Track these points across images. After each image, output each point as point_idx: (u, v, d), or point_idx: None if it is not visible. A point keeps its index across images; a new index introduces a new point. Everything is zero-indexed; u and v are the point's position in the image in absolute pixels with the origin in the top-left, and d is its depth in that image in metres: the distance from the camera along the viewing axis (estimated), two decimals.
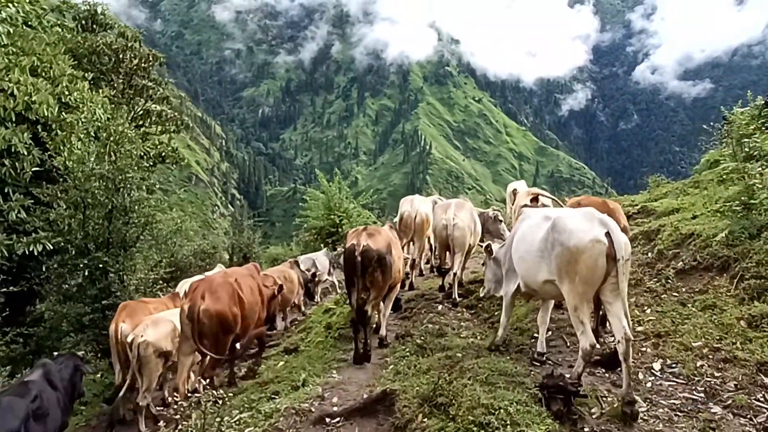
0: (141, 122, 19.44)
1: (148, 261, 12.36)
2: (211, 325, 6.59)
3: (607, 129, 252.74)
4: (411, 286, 10.29)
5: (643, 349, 6.06)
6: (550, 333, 6.61)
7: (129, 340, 7.09)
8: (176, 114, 20.07)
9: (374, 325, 7.70)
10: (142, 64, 19.67)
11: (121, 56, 18.67)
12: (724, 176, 9.77)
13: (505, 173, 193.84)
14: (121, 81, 18.92)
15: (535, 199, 8.02)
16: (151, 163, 18.00)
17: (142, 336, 7.01)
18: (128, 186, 11.14)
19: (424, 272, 11.70)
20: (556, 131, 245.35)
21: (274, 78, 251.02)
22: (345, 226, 17.57)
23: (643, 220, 10.22)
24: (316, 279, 13.01)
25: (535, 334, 6.59)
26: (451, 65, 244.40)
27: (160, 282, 12.21)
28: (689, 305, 6.62)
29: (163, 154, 18.82)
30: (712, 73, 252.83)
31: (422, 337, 7.25)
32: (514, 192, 12.49)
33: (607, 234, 4.75)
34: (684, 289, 7.09)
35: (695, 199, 9.87)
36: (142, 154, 14.80)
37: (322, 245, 17.58)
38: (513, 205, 8.77)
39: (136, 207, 11.41)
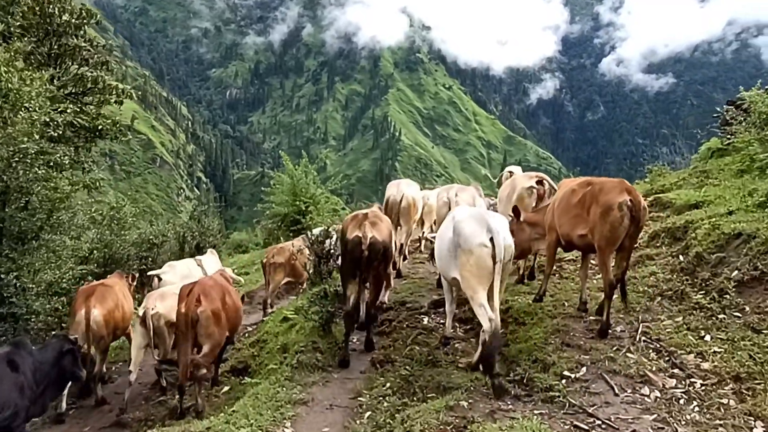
0: (73, 89, 16.65)
1: (60, 256, 10.00)
2: (208, 326, 6.49)
3: (574, 119, 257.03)
4: (399, 273, 9.87)
5: (723, 400, 4.43)
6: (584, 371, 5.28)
7: (141, 313, 7.68)
8: (116, 83, 16.91)
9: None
10: (74, 21, 16.66)
11: (46, 9, 15.80)
12: (747, 165, 9.08)
13: (474, 161, 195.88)
14: (49, 40, 16.30)
15: (540, 182, 7.86)
16: (86, 138, 16.08)
17: (153, 308, 7.58)
18: (25, 161, 8.93)
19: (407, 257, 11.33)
20: (525, 120, 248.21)
21: (242, 59, 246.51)
22: (311, 214, 16.89)
23: (660, 214, 9.11)
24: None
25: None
26: (422, 52, 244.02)
27: (89, 279, 10.49)
28: (765, 332, 5.13)
29: (101, 127, 16.20)
30: (674, 68, 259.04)
31: (407, 367, 6.08)
32: (510, 174, 12.59)
33: (491, 239, 5.34)
34: (748, 308, 5.56)
35: (721, 191, 8.70)
36: (60, 123, 13.09)
37: (281, 236, 16.78)
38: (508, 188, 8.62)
39: (37, 188, 9.22)
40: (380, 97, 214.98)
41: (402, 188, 9.82)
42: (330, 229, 8.61)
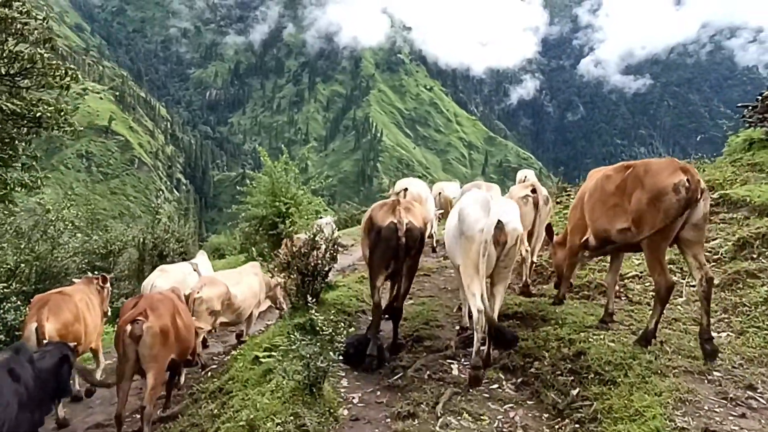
0: (5, 69, 13.20)
1: None
2: (153, 346, 5.72)
3: (554, 120, 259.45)
4: None
5: None
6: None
7: (186, 294, 7.40)
8: (59, 63, 13.39)
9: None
10: None
11: None
12: None
13: (455, 162, 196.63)
14: None
15: (534, 190, 7.59)
16: (24, 128, 14.47)
17: (198, 293, 7.48)
18: None
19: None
20: (505, 121, 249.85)
21: (222, 59, 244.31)
22: (292, 216, 15.72)
23: (733, 215, 7.44)
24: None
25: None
26: (403, 52, 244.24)
27: (12, 299, 8.99)
28: None
29: (40, 115, 13.21)
30: (651, 69, 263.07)
31: None
32: (525, 178, 12.91)
33: (497, 223, 4.98)
34: None
35: None
36: None
37: (254, 246, 15.62)
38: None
39: None
40: (361, 98, 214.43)
41: (409, 185, 10.23)
42: (317, 238, 7.27)
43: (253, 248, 16.85)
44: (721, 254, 6.31)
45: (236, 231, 18.76)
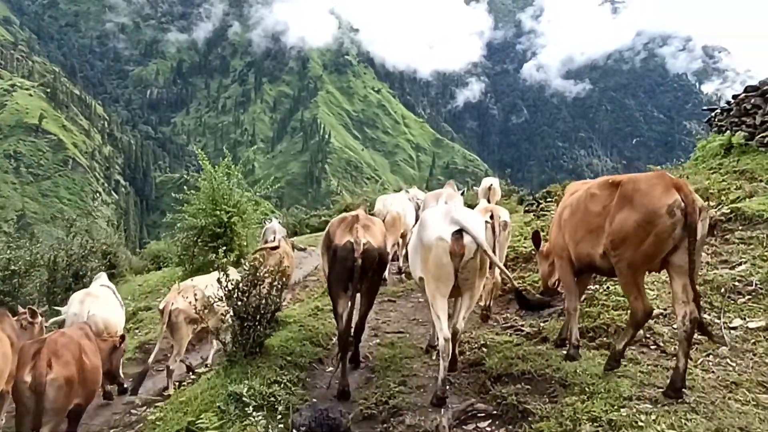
0: None
1: None
2: (57, 399, 5.17)
3: (499, 123, 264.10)
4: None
5: None
6: None
7: (161, 307, 7.31)
8: None
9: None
10: None
11: None
12: None
13: (403, 163, 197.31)
14: None
15: (492, 216, 7.18)
16: None
17: (173, 304, 7.22)
18: None
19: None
20: (452, 123, 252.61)
21: (164, 57, 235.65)
22: (235, 226, 14.53)
23: (752, 233, 6.44)
24: None
25: None
26: (351, 54, 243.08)
27: None
28: None
29: None
30: (590, 75, 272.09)
31: None
32: (490, 188, 12.66)
33: (456, 232, 4.68)
34: None
35: None
36: None
37: (193, 258, 14.57)
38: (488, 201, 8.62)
39: None
40: (309, 99, 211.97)
41: (388, 204, 9.88)
42: (261, 270, 5.99)
43: (192, 261, 15.33)
44: (757, 285, 5.32)
45: (174, 241, 16.92)
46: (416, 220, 11.37)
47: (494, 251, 6.42)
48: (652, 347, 4.79)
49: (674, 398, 3.98)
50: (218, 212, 14.39)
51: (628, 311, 4.71)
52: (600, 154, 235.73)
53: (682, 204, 4.05)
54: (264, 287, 5.80)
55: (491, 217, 7.04)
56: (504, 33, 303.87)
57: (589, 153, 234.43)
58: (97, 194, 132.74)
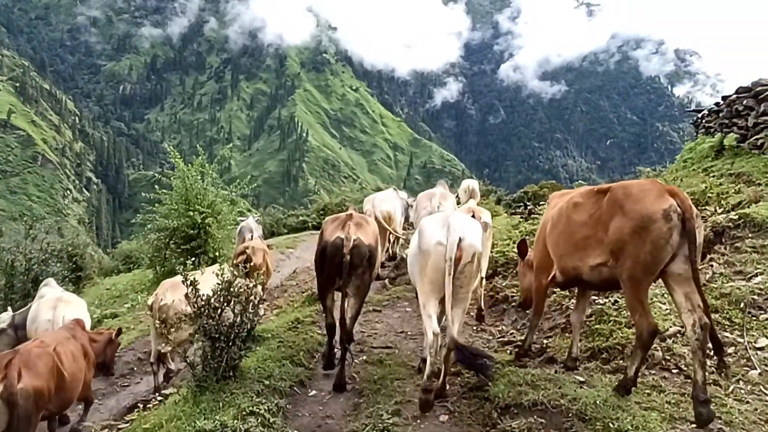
0: None
1: None
2: (27, 409, 5.06)
3: (476, 123, 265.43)
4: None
5: None
6: None
7: (150, 302, 7.10)
8: None
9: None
10: None
11: None
12: None
13: (381, 163, 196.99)
14: None
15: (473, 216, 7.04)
16: None
17: (162, 300, 7.00)
18: None
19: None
20: (429, 123, 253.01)
21: (137, 52, 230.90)
22: (209, 227, 13.78)
23: (765, 242, 6.01)
24: None
25: None
26: (329, 52, 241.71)
27: None
28: None
29: None
30: (566, 76, 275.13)
31: None
32: (470, 189, 12.53)
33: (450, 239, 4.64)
34: None
35: None
36: None
37: (165, 261, 13.90)
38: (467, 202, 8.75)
39: None
40: (287, 97, 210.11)
41: (377, 203, 9.85)
42: (236, 278, 5.45)
43: (164, 264, 14.63)
44: None
45: (145, 242, 16.13)
46: (406, 220, 11.25)
47: None
48: (674, 371, 4.35)
49: (704, 415, 3.70)
50: (191, 213, 13.65)
51: None
52: (575, 155, 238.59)
53: (679, 209, 3.88)
54: (239, 302, 5.23)
55: (472, 218, 6.68)
56: (482, 34, 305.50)
57: (565, 153, 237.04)
58: (68, 192, 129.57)
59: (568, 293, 6.23)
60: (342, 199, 25.71)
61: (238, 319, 5.12)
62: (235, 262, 9.70)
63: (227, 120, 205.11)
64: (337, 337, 5.63)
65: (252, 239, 13.06)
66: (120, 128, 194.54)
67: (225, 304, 5.11)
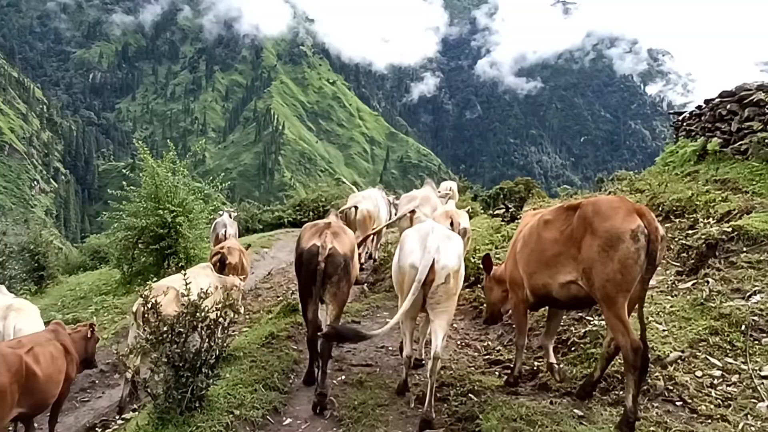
0: None
1: None
2: None
3: (453, 118, 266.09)
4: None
5: None
6: None
7: (135, 309, 6.63)
8: None
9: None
10: None
11: None
12: None
13: (358, 156, 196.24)
14: None
15: (452, 223, 7.17)
16: None
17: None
18: None
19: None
20: (406, 117, 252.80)
21: (108, 40, 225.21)
22: (180, 227, 13.11)
23: (762, 257, 5.64)
24: None
25: None
26: (306, 45, 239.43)
27: None
28: None
29: None
30: (541, 73, 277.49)
31: None
32: (449, 191, 12.53)
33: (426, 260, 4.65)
34: None
35: None
36: None
37: (133, 262, 13.36)
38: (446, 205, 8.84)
39: None
40: (263, 89, 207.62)
41: (358, 201, 9.92)
42: (202, 308, 4.85)
43: (132, 264, 14.03)
44: None
45: (112, 241, 15.39)
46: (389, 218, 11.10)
47: None
48: (678, 403, 4.02)
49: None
50: (161, 211, 12.96)
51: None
52: (550, 151, 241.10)
53: (646, 230, 3.90)
54: (207, 326, 4.71)
55: (451, 224, 7.08)
56: (459, 29, 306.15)
57: (540, 150, 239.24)
58: (35, 182, 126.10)
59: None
60: (318, 195, 25.27)
61: (206, 344, 4.62)
62: (210, 262, 9.46)
63: (201, 111, 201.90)
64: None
65: (225, 235, 12.67)
66: (90, 117, 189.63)
67: (190, 330, 4.61)
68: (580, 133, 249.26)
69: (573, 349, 5.10)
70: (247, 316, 9.15)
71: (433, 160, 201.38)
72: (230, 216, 14.39)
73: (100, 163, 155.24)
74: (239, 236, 15.31)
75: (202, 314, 4.73)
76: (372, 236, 10.86)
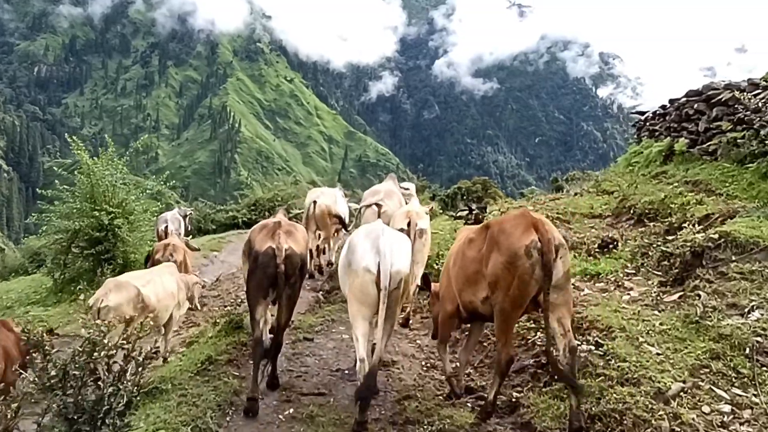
0: None
1: None
2: None
3: (411, 117, 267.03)
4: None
5: None
6: None
7: (91, 303, 6.61)
8: None
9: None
10: None
11: None
12: None
13: (315, 155, 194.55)
14: None
15: (409, 223, 7.05)
16: None
17: (103, 300, 6.56)
18: None
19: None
20: (365, 116, 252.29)
21: (54, 32, 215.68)
22: (119, 229, 12.16)
23: (753, 266, 5.24)
24: None
25: None
26: (263, 41, 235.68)
27: None
28: None
29: None
30: (498, 74, 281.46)
31: None
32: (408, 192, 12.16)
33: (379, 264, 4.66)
34: None
35: None
36: None
37: (65, 267, 12.44)
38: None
39: None
40: (218, 86, 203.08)
41: (317, 196, 9.93)
42: (108, 339, 3.89)
43: (64, 271, 12.86)
44: None
45: (43, 245, 14.27)
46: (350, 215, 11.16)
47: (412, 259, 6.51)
48: None
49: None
50: (97, 212, 11.95)
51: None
52: (505, 152, 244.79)
53: (539, 244, 4.03)
54: (112, 366, 3.71)
55: (408, 224, 6.99)
56: (417, 29, 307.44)
57: (496, 150, 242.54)
58: None
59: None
60: (275, 194, 24.68)
61: (111, 389, 3.57)
62: (153, 259, 9.29)
63: (154, 107, 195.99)
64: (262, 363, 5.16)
65: (166, 231, 11.95)
66: (34, 113, 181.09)
67: (88, 376, 3.60)
68: (535, 133, 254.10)
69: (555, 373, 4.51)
70: (185, 332, 8.31)
71: (392, 159, 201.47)
72: (185, 214, 13.99)
73: (45, 160, 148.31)
74: (191, 234, 14.56)
75: (105, 352, 3.76)
76: (325, 240, 10.42)
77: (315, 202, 9.72)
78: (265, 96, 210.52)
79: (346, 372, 5.47)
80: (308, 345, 6.11)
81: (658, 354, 4.31)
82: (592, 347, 4.30)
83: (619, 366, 4.21)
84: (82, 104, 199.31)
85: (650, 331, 4.59)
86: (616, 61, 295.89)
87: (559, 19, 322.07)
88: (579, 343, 3.78)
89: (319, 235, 10.34)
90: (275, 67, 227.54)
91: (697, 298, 4.81)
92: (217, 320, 7.69)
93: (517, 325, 5.38)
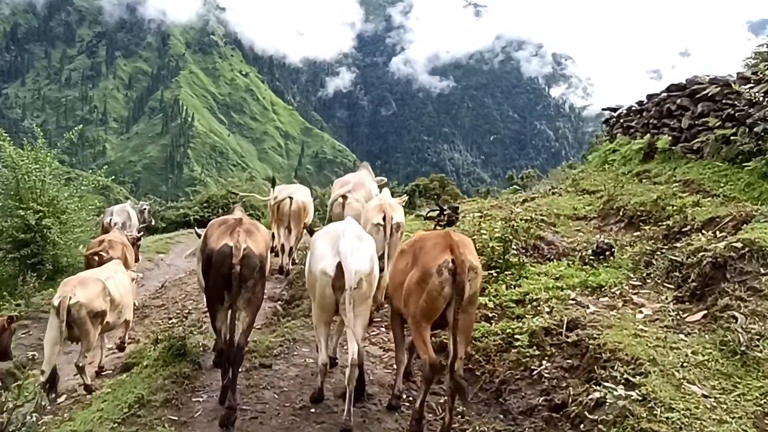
0: None
1: None
2: None
3: (368, 114, 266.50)
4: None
5: None
6: None
7: (56, 303, 6.32)
8: None
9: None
10: None
11: None
12: None
13: (272, 151, 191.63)
14: None
15: (384, 218, 7.00)
16: None
17: (71, 297, 6.33)
18: None
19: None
20: (321, 112, 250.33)
21: None
22: (50, 230, 11.04)
23: None
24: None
25: None
26: (217, 34, 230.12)
27: None
28: None
29: None
30: (454, 73, 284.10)
31: None
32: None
33: (338, 265, 4.64)
34: None
35: None
36: None
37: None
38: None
39: None
40: (170, 79, 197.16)
41: (291, 192, 9.74)
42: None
43: None
44: None
45: None
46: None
47: (386, 251, 6.71)
48: None
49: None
50: (23, 212, 10.75)
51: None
52: (461, 149, 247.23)
53: (451, 264, 4.26)
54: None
55: (384, 218, 6.93)
56: (374, 26, 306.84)
57: (452, 148, 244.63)
58: None
59: (537, 352, 4.75)
60: (228, 191, 23.63)
61: None
62: (86, 254, 8.84)
63: (101, 99, 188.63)
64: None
65: (111, 224, 11.34)
66: None
67: None
68: (490, 132, 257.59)
69: (579, 422, 3.67)
70: (117, 356, 7.28)
71: (349, 155, 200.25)
72: (142, 208, 13.97)
73: None
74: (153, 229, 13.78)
75: None
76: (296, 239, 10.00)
77: (291, 198, 9.47)
78: (219, 90, 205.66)
79: (312, 412, 4.56)
80: (265, 374, 5.07)
81: (705, 396, 3.46)
82: (622, 387, 3.41)
83: (667, 417, 3.27)
84: (23, 95, 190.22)
85: (685, 363, 3.77)
86: (568, 62, 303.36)
87: (514, 19, 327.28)
88: (603, 381, 3.04)
89: (288, 232, 9.77)
90: (230, 60, 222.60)
91: (732, 320, 4.12)
92: (159, 337, 6.62)
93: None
